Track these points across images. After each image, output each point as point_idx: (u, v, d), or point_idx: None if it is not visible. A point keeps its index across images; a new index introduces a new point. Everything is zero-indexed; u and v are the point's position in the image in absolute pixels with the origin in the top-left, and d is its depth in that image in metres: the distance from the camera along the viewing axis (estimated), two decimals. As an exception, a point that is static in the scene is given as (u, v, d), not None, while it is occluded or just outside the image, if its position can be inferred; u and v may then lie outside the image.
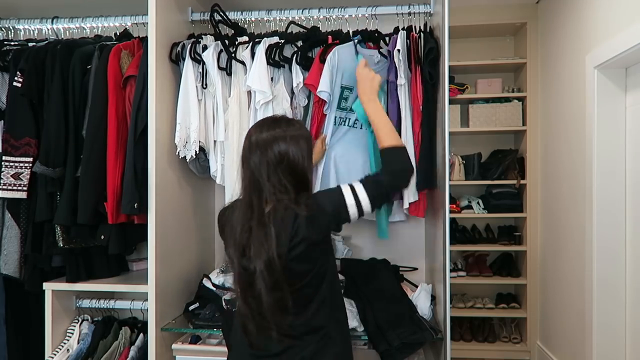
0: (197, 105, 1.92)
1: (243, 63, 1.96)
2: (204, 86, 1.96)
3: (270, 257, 1.21)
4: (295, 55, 1.94)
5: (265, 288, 1.22)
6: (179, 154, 1.91)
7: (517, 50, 3.49)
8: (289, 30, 2.04)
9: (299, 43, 1.97)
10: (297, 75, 1.92)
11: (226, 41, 1.98)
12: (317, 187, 1.92)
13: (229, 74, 1.98)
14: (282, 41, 1.96)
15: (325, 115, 1.96)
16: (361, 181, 1.34)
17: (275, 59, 1.93)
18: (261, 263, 1.21)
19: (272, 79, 1.95)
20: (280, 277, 1.23)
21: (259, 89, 1.88)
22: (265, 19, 2.08)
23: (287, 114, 1.88)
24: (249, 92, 1.98)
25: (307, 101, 1.99)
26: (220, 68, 1.95)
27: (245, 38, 2.01)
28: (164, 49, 1.87)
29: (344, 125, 1.99)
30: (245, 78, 1.95)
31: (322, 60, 1.90)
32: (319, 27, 2.04)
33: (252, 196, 1.28)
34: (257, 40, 1.97)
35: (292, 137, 1.30)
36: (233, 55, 1.97)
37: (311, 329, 1.31)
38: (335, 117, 1.97)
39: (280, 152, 1.28)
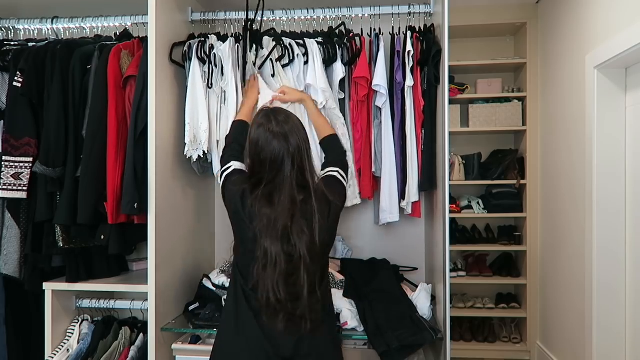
0: (205, 105, 1.92)
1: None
2: (210, 85, 1.96)
3: (311, 241, 1.30)
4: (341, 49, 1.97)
5: (306, 272, 1.29)
6: (186, 154, 1.92)
7: (517, 50, 3.49)
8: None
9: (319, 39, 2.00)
10: (337, 71, 1.96)
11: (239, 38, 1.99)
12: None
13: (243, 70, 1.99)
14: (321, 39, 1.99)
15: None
16: (339, 167, 1.53)
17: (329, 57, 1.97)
18: (304, 248, 1.28)
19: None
20: (318, 260, 1.33)
21: (323, 88, 1.89)
22: (266, 19, 2.08)
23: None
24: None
25: (343, 94, 2.03)
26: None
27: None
28: (164, 49, 1.87)
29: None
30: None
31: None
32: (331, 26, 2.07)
33: (287, 184, 1.31)
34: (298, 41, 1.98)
35: (302, 127, 1.40)
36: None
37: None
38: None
39: (303, 139, 1.36)
